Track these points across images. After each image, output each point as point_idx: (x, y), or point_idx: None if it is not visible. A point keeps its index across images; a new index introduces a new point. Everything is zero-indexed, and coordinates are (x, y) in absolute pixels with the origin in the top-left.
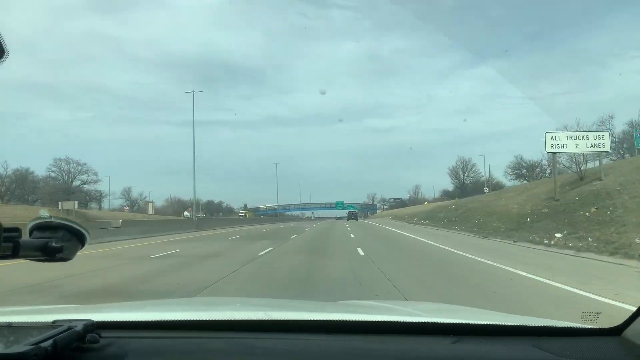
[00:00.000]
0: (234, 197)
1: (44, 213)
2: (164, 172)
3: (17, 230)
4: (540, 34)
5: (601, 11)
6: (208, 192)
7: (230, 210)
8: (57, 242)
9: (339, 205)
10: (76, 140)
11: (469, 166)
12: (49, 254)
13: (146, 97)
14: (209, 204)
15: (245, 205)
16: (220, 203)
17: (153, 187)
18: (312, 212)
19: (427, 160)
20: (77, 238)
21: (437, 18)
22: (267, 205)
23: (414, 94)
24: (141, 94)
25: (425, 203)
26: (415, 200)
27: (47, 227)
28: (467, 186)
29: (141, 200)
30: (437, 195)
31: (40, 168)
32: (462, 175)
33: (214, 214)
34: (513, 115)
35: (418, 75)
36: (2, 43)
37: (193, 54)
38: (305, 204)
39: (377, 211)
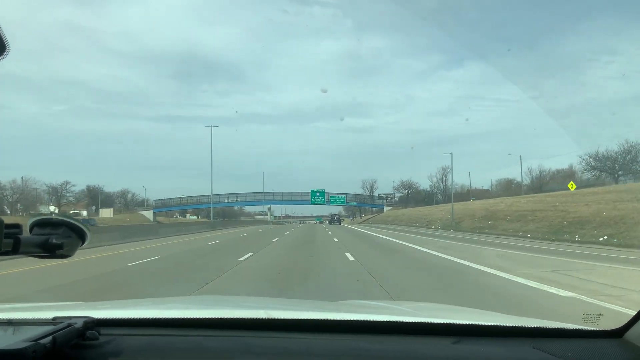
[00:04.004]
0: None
1: (45, 209)
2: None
3: (17, 226)
4: (518, 37)
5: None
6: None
7: (142, 204)
8: (57, 238)
9: (315, 196)
10: (49, 134)
11: None
12: (49, 250)
13: (122, 91)
14: (90, 191)
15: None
16: (123, 193)
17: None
18: (269, 208)
19: (408, 160)
20: (78, 235)
21: (416, 19)
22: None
23: (393, 93)
24: (117, 88)
25: None
26: (443, 194)
27: (47, 224)
28: None
29: None
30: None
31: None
32: None
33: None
34: (490, 117)
35: (398, 75)
36: (3, 38)
37: (171, 49)
38: (254, 195)
39: (384, 209)
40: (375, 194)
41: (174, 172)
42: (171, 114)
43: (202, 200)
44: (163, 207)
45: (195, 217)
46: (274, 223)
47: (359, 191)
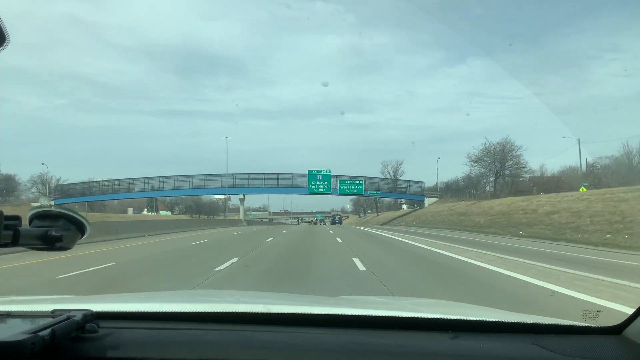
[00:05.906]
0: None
1: (44, 202)
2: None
3: (17, 218)
4: (521, 34)
5: (582, 13)
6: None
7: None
8: (57, 231)
9: (315, 180)
10: (50, 127)
11: None
12: (48, 242)
13: (123, 85)
14: None
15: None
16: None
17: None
18: (242, 198)
19: (409, 156)
20: (77, 227)
21: (420, 15)
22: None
23: (395, 90)
24: (118, 82)
25: None
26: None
27: (46, 216)
28: None
29: None
30: None
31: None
32: None
33: None
34: (492, 114)
35: (400, 71)
36: (3, 29)
37: (173, 43)
38: (217, 177)
39: (425, 200)
40: (402, 178)
41: (170, 166)
42: (172, 109)
43: (132, 187)
44: (71, 196)
45: (168, 213)
46: (249, 223)
47: (376, 174)
